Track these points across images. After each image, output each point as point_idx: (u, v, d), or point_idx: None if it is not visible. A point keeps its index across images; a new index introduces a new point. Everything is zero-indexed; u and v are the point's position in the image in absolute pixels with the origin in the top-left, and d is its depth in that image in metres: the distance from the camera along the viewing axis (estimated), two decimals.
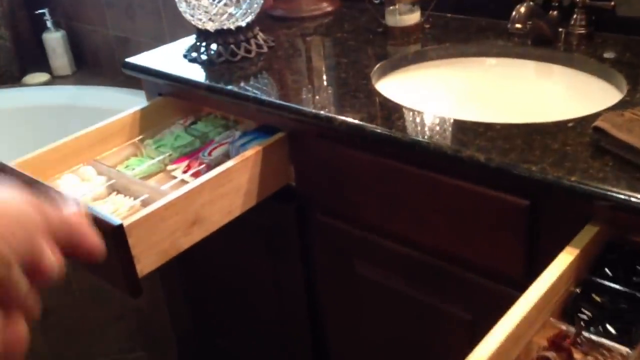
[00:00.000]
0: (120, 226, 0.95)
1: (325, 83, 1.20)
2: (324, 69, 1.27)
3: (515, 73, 1.23)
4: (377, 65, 1.22)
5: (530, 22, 1.23)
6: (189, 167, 1.26)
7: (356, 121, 1.02)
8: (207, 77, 1.28)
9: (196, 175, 1.23)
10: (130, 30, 2.35)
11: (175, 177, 1.24)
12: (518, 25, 1.23)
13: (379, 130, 0.99)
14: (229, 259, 1.43)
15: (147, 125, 1.38)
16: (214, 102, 1.30)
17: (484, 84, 1.23)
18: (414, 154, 0.96)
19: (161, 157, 1.28)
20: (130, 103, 2.57)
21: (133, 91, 2.39)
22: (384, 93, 1.11)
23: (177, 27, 2.15)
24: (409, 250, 1.06)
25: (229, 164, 1.10)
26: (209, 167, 1.24)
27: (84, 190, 1.19)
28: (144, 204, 1.14)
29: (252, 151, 1.14)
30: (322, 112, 1.07)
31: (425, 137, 0.95)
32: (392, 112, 1.04)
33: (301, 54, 1.35)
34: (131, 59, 1.41)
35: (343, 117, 1.04)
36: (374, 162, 1.03)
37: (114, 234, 0.95)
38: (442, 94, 1.22)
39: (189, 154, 1.30)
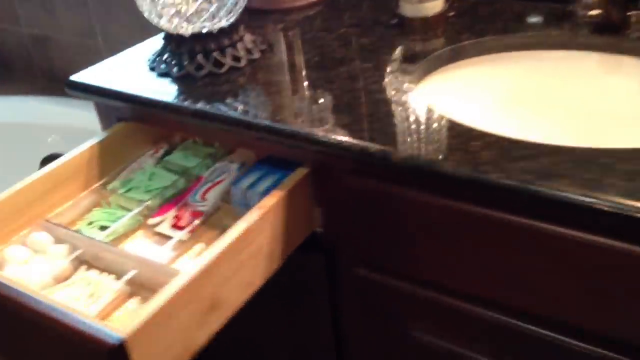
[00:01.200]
0: (121, 346, 0.65)
1: (350, 99, 0.92)
2: (341, 78, 0.99)
3: (578, 68, 1.00)
4: (407, 69, 0.96)
5: (591, 5, 1.00)
6: (177, 218, 0.96)
7: (427, 159, 0.76)
8: (188, 97, 0.97)
9: (190, 229, 0.93)
10: (50, 26, 1.96)
11: (160, 235, 0.94)
12: (583, 10, 1.00)
13: (463, 173, 0.73)
14: (238, 328, 1.14)
15: (109, 162, 1.06)
16: (194, 127, 1.00)
17: (545, 84, 0.99)
18: (519, 200, 0.71)
19: (139, 209, 0.97)
20: (55, 115, 2.19)
21: (58, 100, 2.01)
22: (429, 105, 0.86)
23: (110, 21, 1.79)
24: (496, 314, 0.82)
25: (248, 219, 0.82)
26: (206, 217, 0.95)
27: (40, 268, 0.87)
28: (133, 284, 0.84)
29: (272, 199, 0.85)
30: (371, 145, 0.80)
31: (535, 180, 0.71)
32: (464, 139, 0.78)
33: (303, 59, 1.06)
34: (78, 77, 1.08)
35: (405, 154, 0.77)
36: (449, 209, 0.78)
37: (112, 357, 0.65)
38: (500, 101, 0.97)
39: (174, 199, 1.00)
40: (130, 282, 0.84)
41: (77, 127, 1.77)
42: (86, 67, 1.11)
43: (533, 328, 0.79)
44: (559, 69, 1.01)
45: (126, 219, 0.95)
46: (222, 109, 0.93)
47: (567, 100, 0.96)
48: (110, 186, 1.03)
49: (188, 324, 0.75)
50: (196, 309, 0.76)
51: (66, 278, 0.87)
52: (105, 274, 0.86)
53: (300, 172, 0.90)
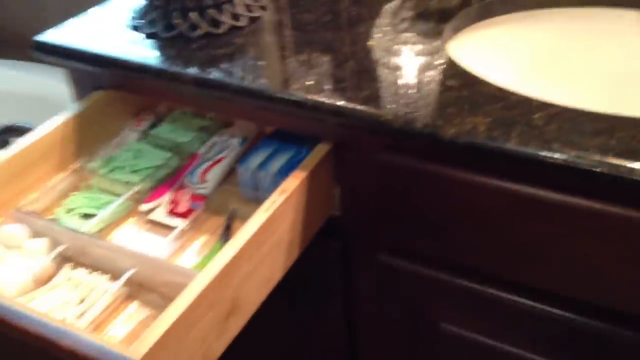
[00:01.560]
0: None
1: (375, 64, 0.80)
2: (361, 40, 0.87)
3: (617, 27, 0.90)
4: (434, 29, 0.84)
5: None
6: (174, 203, 0.83)
7: (484, 136, 0.65)
8: (183, 62, 0.83)
9: (187, 214, 0.80)
10: None
11: (154, 223, 0.81)
12: None
13: (529, 152, 0.63)
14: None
15: (86, 138, 0.91)
16: (187, 96, 0.86)
17: (582, 45, 0.89)
18: (597, 183, 0.61)
19: (128, 194, 0.83)
20: (14, 81, 1.97)
21: (14, 64, 1.80)
22: (472, 70, 0.74)
23: None
24: (546, 307, 0.73)
25: (270, 206, 0.69)
26: (204, 201, 0.82)
27: (16, 269, 0.73)
28: (130, 284, 0.71)
29: (294, 181, 0.73)
30: (414, 119, 0.68)
31: (617, 158, 0.61)
32: (524, 110, 0.68)
33: (314, 16, 0.93)
34: (46, 37, 0.92)
35: (456, 130, 0.66)
36: (506, 191, 0.67)
37: None
38: (537, 65, 0.86)
39: (167, 181, 0.87)
40: (127, 282, 0.71)
41: (36, 94, 1.59)
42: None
43: (592, 322, 0.71)
44: (596, 28, 0.91)
45: (115, 206, 0.81)
46: (223, 75, 0.79)
47: (606, 63, 0.87)
48: (89, 166, 0.89)
49: (207, 334, 0.63)
50: (215, 316, 0.64)
51: (49, 279, 0.73)
52: (95, 274, 0.73)
53: (321, 149, 0.77)
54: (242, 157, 0.83)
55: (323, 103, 0.73)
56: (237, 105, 0.80)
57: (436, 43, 0.81)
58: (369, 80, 0.75)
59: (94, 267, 0.74)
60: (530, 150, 0.62)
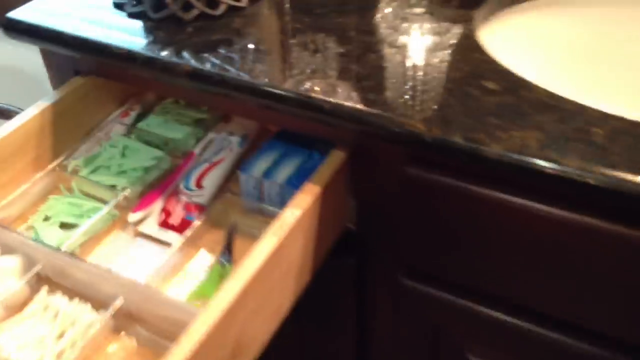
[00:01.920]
0: None
1: (403, 59, 0.69)
2: (383, 28, 0.76)
3: None
4: (464, 15, 0.74)
5: None
6: (166, 213, 0.73)
7: (535, 155, 0.55)
8: (173, 48, 0.72)
9: (182, 227, 0.70)
10: None
11: (144, 235, 0.71)
12: None
13: (599, 180, 0.53)
14: None
15: (66, 132, 0.80)
16: (181, 89, 0.75)
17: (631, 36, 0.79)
18: None
19: (114, 201, 0.73)
20: None
21: None
22: (514, 71, 0.64)
23: None
24: (583, 344, 0.65)
25: (280, 229, 0.60)
26: (203, 212, 0.72)
27: None
28: (120, 314, 0.61)
29: (307, 197, 0.63)
30: (455, 139, 0.58)
31: None
32: (581, 123, 0.58)
33: None
34: (17, 14, 0.80)
35: (501, 148, 0.56)
36: (557, 218, 0.58)
37: None
38: (581, 59, 0.76)
39: (158, 185, 0.76)
40: (122, 315, 0.61)
41: (11, 66, 1.45)
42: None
43: None
44: None
45: (98, 216, 0.71)
46: (220, 67, 0.68)
47: None
48: (70, 165, 0.78)
49: None
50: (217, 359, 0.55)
51: (22, 306, 0.64)
52: (77, 301, 0.63)
53: (337, 157, 0.67)
54: (243, 161, 0.73)
55: (341, 106, 0.62)
56: (236, 101, 0.70)
57: (468, 33, 0.71)
58: (393, 79, 0.65)
59: (75, 291, 0.64)
60: (592, 174, 0.53)
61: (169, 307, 0.59)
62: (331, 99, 0.63)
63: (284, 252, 0.60)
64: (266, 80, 0.66)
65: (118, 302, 0.61)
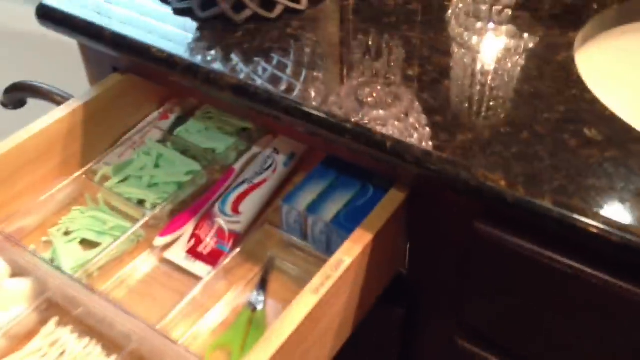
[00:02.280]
0: None
1: (490, 90, 0.59)
2: (463, 47, 0.65)
3: None
4: (562, 35, 0.63)
5: None
6: (197, 239, 0.65)
7: None
8: (219, 54, 0.63)
9: (212, 258, 0.62)
10: None
11: (168, 262, 0.63)
12: None
13: None
14: None
15: (98, 133, 0.73)
16: (226, 102, 0.66)
17: None
18: None
19: (141, 222, 0.65)
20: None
21: None
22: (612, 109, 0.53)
23: None
24: None
25: (320, 287, 0.51)
26: (237, 241, 0.64)
27: None
28: (134, 356, 0.54)
29: (355, 247, 0.54)
30: (544, 204, 0.47)
31: None
32: None
33: (394, 3, 0.71)
34: (52, 1, 0.73)
35: (609, 221, 0.46)
36: None
37: None
38: None
39: (191, 203, 0.68)
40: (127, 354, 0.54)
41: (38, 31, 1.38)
42: None
43: None
44: None
45: (123, 239, 0.63)
46: (272, 83, 0.59)
47: None
48: (99, 173, 0.71)
49: None
50: None
51: (27, 336, 0.57)
52: (86, 341, 0.56)
53: (395, 198, 0.58)
54: (288, 191, 0.64)
55: (406, 147, 0.53)
56: (288, 124, 0.61)
57: (566, 62, 0.60)
58: (471, 116, 0.55)
59: (86, 324, 0.57)
60: None
61: (177, 357, 0.51)
62: (395, 136, 0.53)
63: (324, 311, 0.52)
64: (320, 104, 0.57)
65: (130, 347, 0.53)
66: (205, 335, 0.57)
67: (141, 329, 0.53)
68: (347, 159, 0.64)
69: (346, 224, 0.59)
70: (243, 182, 0.68)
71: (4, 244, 0.61)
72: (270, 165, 0.69)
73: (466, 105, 0.56)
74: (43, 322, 0.58)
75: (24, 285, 0.58)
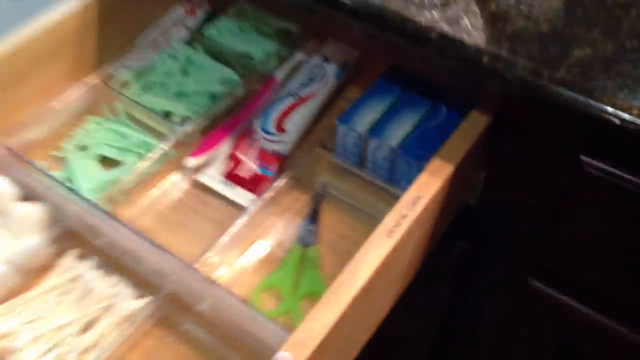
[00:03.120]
0: None
1: None
2: None
3: None
4: None
5: None
6: (235, 161, 0.56)
7: None
8: None
9: (254, 183, 0.54)
10: None
11: (203, 187, 0.55)
12: None
13: None
14: None
15: (116, 31, 0.62)
16: None
17: None
18: None
19: (172, 137, 0.56)
20: None
21: None
22: None
23: None
24: None
25: (394, 230, 0.42)
26: (282, 165, 0.55)
27: None
28: (168, 306, 0.46)
29: (434, 181, 0.45)
30: None
31: None
32: None
33: None
34: None
35: None
36: None
37: None
38: None
39: (228, 118, 0.59)
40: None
41: None
42: None
43: None
44: None
45: (149, 158, 0.54)
46: None
47: None
48: (118, 79, 0.61)
49: None
50: None
51: (43, 270, 0.49)
52: (113, 278, 0.48)
53: (477, 121, 0.48)
54: (341, 108, 0.55)
55: (510, 65, 0.42)
56: (345, 27, 0.50)
57: None
58: (590, 28, 0.44)
59: (111, 258, 0.49)
60: None
61: (237, 313, 0.43)
62: (492, 50, 0.43)
63: (398, 256, 0.44)
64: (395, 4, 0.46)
65: (166, 289, 0.46)
66: (249, 274, 0.49)
67: (176, 267, 0.45)
68: (413, 72, 0.54)
69: (417, 150, 0.50)
70: (287, 95, 0.58)
71: (9, 160, 0.52)
72: (319, 77, 0.59)
73: (581, 12, 0.45)
74: (61, 254, 0.50)
75: (37, 211, 0.50)
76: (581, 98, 0.40)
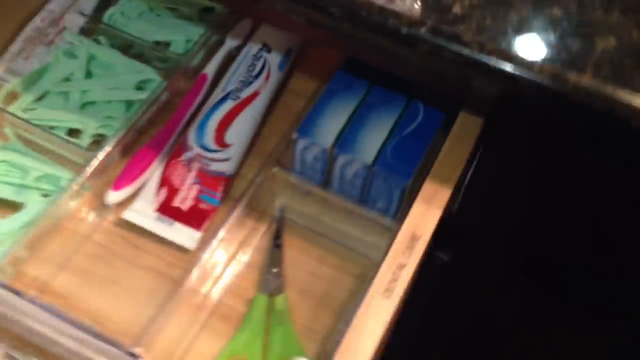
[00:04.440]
0: None
1: None
2: None
3: None
4: None
5: None
6: (169, 188, 0.44)
7: None
8: None
9: (196, 216, 0.43)
10: None
11: (130, 227, 0.43)
12: None
13: None
14: None
15: None
16: None
17: None
18: None
19: (88, 169, 0.43)
20: None
21: None
22: None
23: None
24: None
25: (390, 291, 0.33)
26: (227, 187, 0.45)
27: None
28: None
29: (434, 211, 0.36)
30: None
31: None
32: None
33: None
34: None
35: None
36: None
37: None
38: None
39: (153, 132, 0.47)
40: None
41: None
42: None
43: None
44: None
45: (58, 197, 0.42)
46: None
47: None
48: (4, 89, 0.47)
49: None
50: None
51: None
52: None
53: (469, 125, 0.40)
54: (294, 108, 0.44)
55: (530, 65, 0.33)
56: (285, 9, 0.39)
57: None
58: (609, 10, 0.36)
59: (27, 344, 0.38)
60: None
61: None
62: (499, 46, 0.34)
63: (398, 309, 0.35)
64: None
65: None
66: (208, 337, 0.40)
67: (112, 357, 0.35)
68: (377, 62, 0.45)
69: (396, 164, 0.41)
70: (225, 98, 0.47)
71: None
72: (262, 70, 0.48)
73: None
74: None
75: None
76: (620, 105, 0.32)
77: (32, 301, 0.36)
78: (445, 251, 0.51)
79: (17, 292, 0.37)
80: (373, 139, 0.42)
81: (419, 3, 0.34)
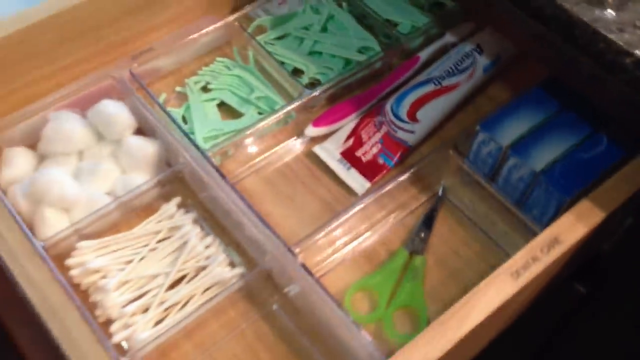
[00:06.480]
0: None
1: None
2: None
3: None
4: None
5: None
6: (356, 139, 0.51)
7: None
8: None
9: (371, 168, 0.50)
10: None
11: (316, 158, 0.51)
12: None
13: None
14: None
15: None
16: None
17: None
18: None
19: (296, 102, 0.52)
20: None
21: None
22: None
23: None
24: None
25: (521, 270, 0.37)
26: (404, 156, 0.51)
27: (101, 182, 0.48)
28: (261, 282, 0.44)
29: (581, 226, 0.40)
30: None
31: None
32: None
33: None
34: None
35: None
36: None
37: None
38: None
39: (359, 90, 0.54)
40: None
41: None
42: None
43: None
44: None
45: (270, 119, 0.51)
46: None
47: None
48: (255, 22, 0.57)
49: None
50: None
51: (144, 209, 0.48)
52: (210, 239, 0.46)
53: None
54: (486, 110, 0.49)
55: None
56: (511, 17, 0.44)
57: None
58: None
59: (212, 218, 0.47)
60: None
61: (326, 309, 0.41)
62: None
63: (518, 298, 0.39)
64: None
65: (260, 266, 0.43)
66: (348, 268, 0.46)
67: (276, 247, 0.43)
68: (577, 88, 0.48)
69: (562, 180, 0.44)
70: (428, 81, 0.53)
71: (131, 87, 0.50)
72: (468, 67, 0.54)
73: None
74: (164, 197, 0.48)
75: (150, 149, 0.48)
76: None
77: (231, 186, 0.45)
78: (585, 285, 0.53)
79: (223, 176, 0.46)
80: (547, 153, 0.46)
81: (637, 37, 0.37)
